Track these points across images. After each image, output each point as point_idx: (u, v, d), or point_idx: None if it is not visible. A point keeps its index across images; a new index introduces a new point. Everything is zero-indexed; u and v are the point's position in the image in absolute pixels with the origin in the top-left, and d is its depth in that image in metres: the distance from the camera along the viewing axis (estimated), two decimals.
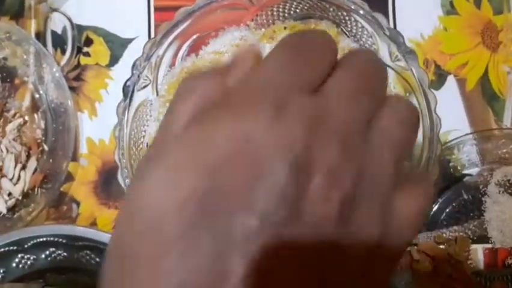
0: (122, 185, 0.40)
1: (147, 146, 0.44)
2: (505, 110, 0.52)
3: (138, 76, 0.40)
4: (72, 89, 0.52)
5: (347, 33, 0.44)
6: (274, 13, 0.45)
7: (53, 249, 0.48)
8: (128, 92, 0.40)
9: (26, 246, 0.47)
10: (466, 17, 0.53)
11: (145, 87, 0.42)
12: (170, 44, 0.42)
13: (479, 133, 0.50)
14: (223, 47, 0.44)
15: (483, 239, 0.49)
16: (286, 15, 0.45)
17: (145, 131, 0.44)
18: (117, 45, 0.53)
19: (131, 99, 0.40)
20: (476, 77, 0.52)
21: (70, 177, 0.52)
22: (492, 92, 0.52)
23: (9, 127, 0.51)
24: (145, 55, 0.40)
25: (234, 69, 0.17)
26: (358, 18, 0.42)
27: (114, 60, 0.53)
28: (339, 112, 0.15)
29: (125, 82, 0.40)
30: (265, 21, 0.45)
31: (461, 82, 0.52)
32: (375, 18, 0.40)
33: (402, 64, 0.41)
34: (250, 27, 0.45)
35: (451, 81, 0.52)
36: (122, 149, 0.40)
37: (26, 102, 0.52)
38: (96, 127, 0.52)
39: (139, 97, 0.42)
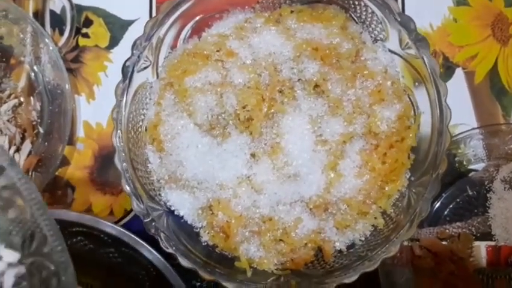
0: (119, 168, 0.38)
1: (146, 129, 0.43)
2: None
3: (138, 56, 0.39)
4: (70, 70, 0.51)
5: (356, 19, 0.43)
6: None
7: None
8: (127, 72, 0.39)
9: None
10: (477, 8, 0.51)
11: (145, 68, 0.40)
12: (172, 24, 0.40)
13: (486, 128, 0.49)
14: (227, 29, 0.43)
15: (486, 236, 0.48)
16: None
17: (144, 115, 0.43)
18: (117, 27, 0.51)
19: (130, 81, 0.39)
20: (485, 70, 0.51)
21: (65, 161, 0.50)
22: (501, 85, 0.51)
23: (4, 108, 0.49)
24: (145, 35, 0.39)
25: None
26: (368, 2, 0.40)
27: (114, 42, 0.51)
28: None
29: (125, 62, 0.39)
30: (271, 4, 0.44)
31: (470, 75, 0.51)
32: (385, 2, 0.39)
33: (412, 52, 0.40)
34: (256, 9, 0.44)
35: (459, 74, 0.51)
36: (120, 132, 0.39)
37: (22, 82, 0.50)
38: (94, 111, 0.51)
39: (138, 79, 0.40)
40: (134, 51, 0.38)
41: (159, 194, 0.42)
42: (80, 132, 0.51)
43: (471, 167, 0.50)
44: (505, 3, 0.51)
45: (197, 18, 0.42)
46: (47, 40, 0.49)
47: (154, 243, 0.45)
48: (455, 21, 0.51)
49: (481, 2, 0.51)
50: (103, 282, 0.47)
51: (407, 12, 0.51)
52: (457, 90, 0.50)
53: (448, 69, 0.51)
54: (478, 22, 0.51)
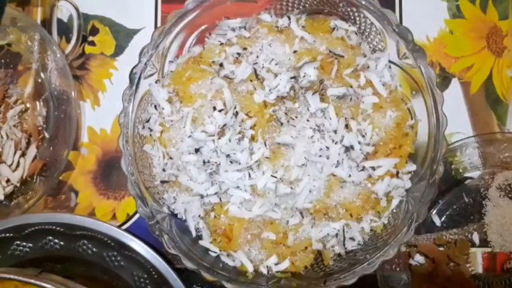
0: (125, 171, 0.39)
1: (151, 135, 0.44)
2: (508, 114, 0.52)
3: (145, 64, 0.40)
4: (75, 77, 0.52)
5: (355, 30, 0.44)
6: (283, 7, 0.45)
7: (50, 237, 0.47)
8: (134, 79, 0.40)
9: (22, 233, 0.47)
10: (472, 21, 0.53)
11: (151, 75, 0.42)
12: (178, 33, 0.42)
13: (481, 136, 0.50)
14: (231, 38, 0.44)
15: (482, 242, 0.49)
16: (295, 9, 0.45)
17: (149, 120, 0.43)
18: (123, 36, 0.52)
19: (137, 87, 0.40)
20: (481, 80, 0.52)
21: (69, 166, 0.51)
22: (496, 96, 0.52)
23: (11, 113, 0.50)
24: (153, 43, 0.40)
25: None
26: (367, 14, 0.41)
27: (119, 50, 0.52)
28: None
29: (132, 69, 0.40)
30: (274, 14, 0.45)
31: (465, 85, 0.52)
32: (384, 14, 0.40)
33: (410, 62, 0.41)
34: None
35: (455, 84, 0.52)
36: (127, 136, 0.40)
37: (29, 89, 0.51)
38: (98, 117, 0.52)
39: (144, 85, 0.41)
40: (142, 59, 0.39)
41: (163, 198, 0.43)
42: (85, 138, 0.52)
43: (467, 174, 0.51)
44: (499, 16, 0.53)
45: (202, 27, 0.43)
46: (54, 47, 0.50)
47: (156, 247, 0.46)
48: (451, 33, 0.53)
49: (476, 14, 0.53)
50: (106, 285, 0.47)
51: (404, 25, 0.52)
52: (453, 100, 0.52)
53: (445, 80, 0.52)
54: (473, 34, 0.53)
